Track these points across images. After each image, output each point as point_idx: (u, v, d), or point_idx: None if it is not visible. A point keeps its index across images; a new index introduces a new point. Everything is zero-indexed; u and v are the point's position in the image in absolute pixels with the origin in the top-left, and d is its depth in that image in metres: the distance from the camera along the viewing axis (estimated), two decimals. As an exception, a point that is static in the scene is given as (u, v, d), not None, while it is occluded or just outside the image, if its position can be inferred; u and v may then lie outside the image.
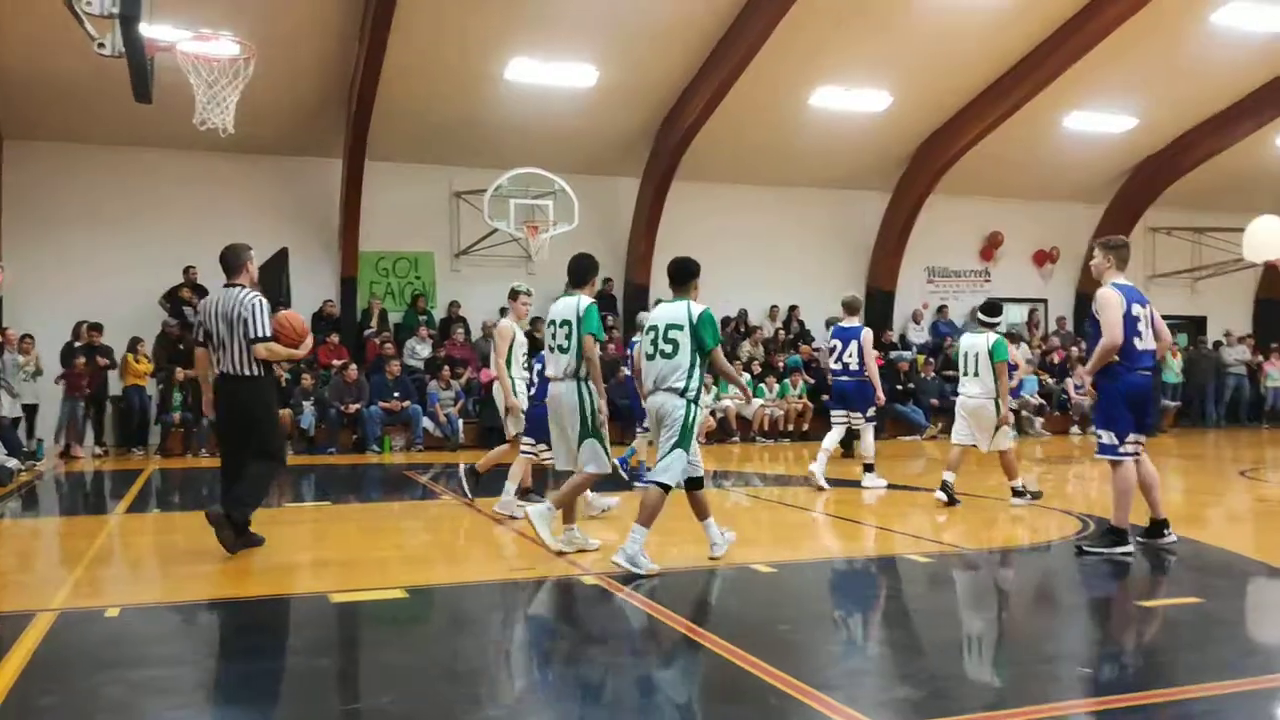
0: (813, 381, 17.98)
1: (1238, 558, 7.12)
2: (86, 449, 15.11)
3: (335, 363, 15.96)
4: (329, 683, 4.47)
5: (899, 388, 18.35)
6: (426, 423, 15.84)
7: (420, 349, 17.26)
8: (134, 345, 15.19)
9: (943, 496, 9.28)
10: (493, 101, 16.67)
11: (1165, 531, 7.14)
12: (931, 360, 19.28)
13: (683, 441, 6.40)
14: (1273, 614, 5.93)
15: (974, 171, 19.61)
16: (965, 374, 9.59)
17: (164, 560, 7.49)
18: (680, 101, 17.35)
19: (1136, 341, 6.84)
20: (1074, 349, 19.96)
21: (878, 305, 20.47)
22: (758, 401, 16.90)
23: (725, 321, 19.58)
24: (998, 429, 9.39)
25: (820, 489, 10.40)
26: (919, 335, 20.64)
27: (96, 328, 15.18)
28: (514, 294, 8.98)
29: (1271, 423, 20.73)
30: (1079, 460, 13.55)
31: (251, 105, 12.23)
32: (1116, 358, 6.78)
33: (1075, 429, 18.86)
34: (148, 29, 8.59)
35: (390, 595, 5.88)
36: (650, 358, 6.52)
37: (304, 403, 15.34)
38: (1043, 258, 22.25)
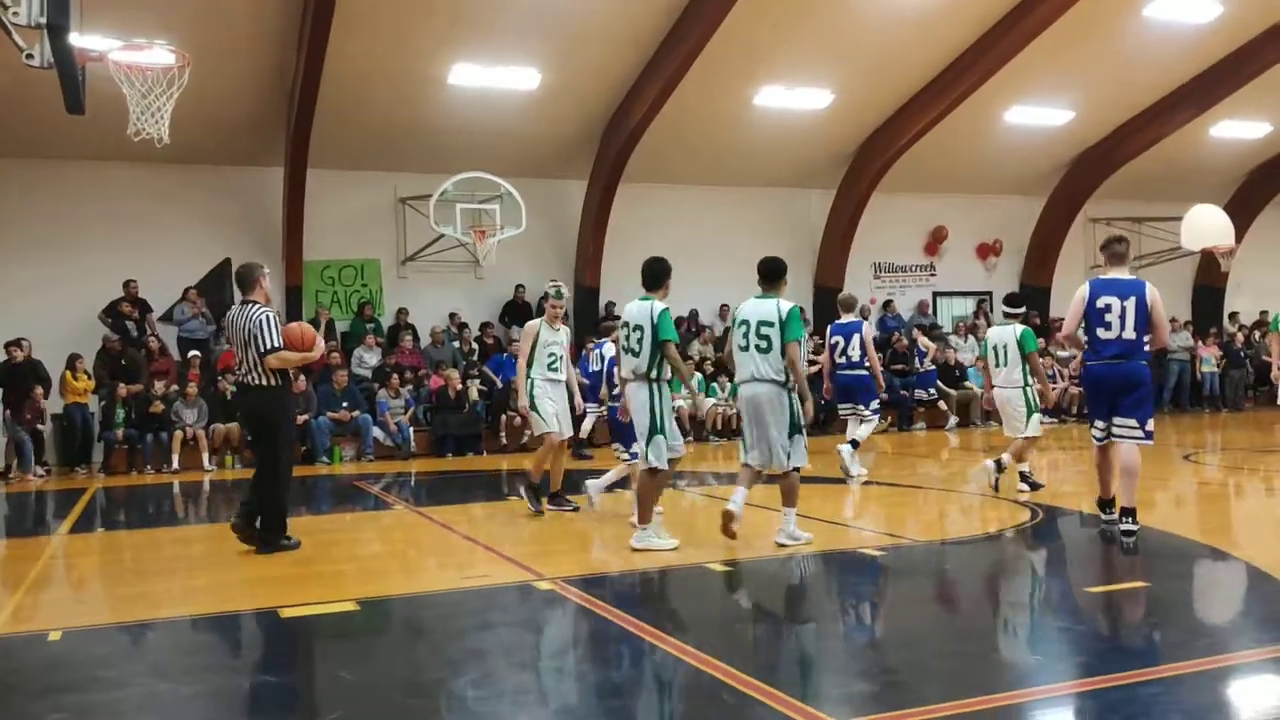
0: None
1: (1184, 541, 7.24)
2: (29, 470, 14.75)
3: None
4: (278, 700, 4.39)
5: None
6: (377, 432, 15.68)
7: (368, 358, 17.09)
8: (72, 362, 14.86)
9: (1025, 487, 9.46)
10: (436, 106, 16.55)
11: (1108, 511, 7.53)
12: (880, 355, 19.37)
13: (796, 426, 7.04)
14: (1218, 596, 6.03)
15: (917, 167, 19.80)
16: (996, 366, 9.77)
17: (109, 580, 7.34)
18: (625, 103, 17.34)
19: (1100, 331, 7.17)
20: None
21: (826, 302, 20.59)
22: (710, 401, 16.93)
23: (678, 321, 19.59)
24: (1030, 415, 9.52)
25: (850, 476, 10.57)
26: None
27: (16, 343, 14.71)
28: (544, 296, 9.29)
29: (1210, 407, 21.14)
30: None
31: (190, 115, 12.04)
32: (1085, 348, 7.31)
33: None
34: (78, 39, 8.41)
35: (341, 608, 5.80)
36: (744, 349, 7.15)
37: (251, 415, 15.12)
38: (986, 250, 22.53)
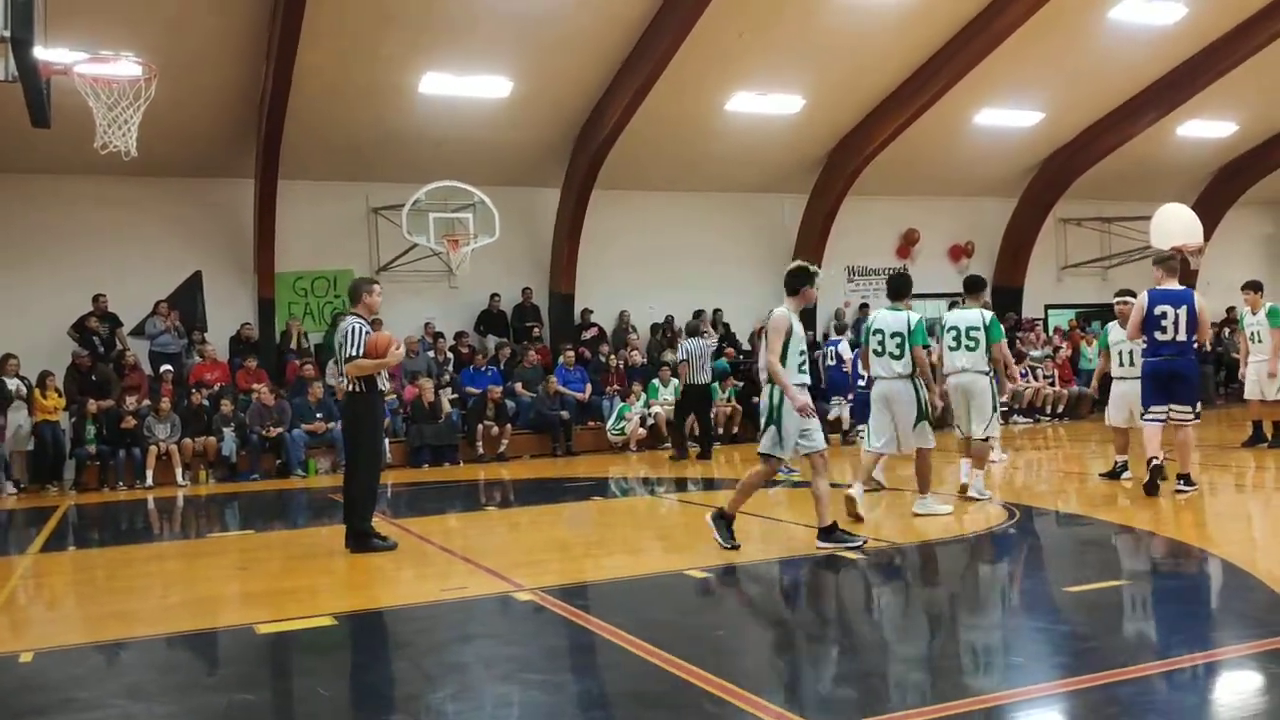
0: (740, 384, 18.05)
1: (1160, 539, 7.29)
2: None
3: (255, 387, 15.63)
4: (255, 718, 4.34)
5: (821, 386, 18.49)
6: (352, 444, 15.55)
7: (343, 369, 16.96)
8: (43, 380, 14.67)
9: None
10: (407, 116, 16.48)
11: (1179, 481, 8.88)
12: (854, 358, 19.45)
13: (996, 406, 9.02)
14: (1195, 594, 6.07)
15: (888, 171, 19.89)
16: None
17: (82, 599, 7.25)
18: (597, 111, 17.34)
19: (1157, 334, 8.83)
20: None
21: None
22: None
23: (653, 329, 19.62)
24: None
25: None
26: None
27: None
28: (803, 277, 7.66)
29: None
30: (1001, 450, 13.76)
31: (159, 127, 11.95)
32: (1144, 347, 9.01)
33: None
34: (43, 52, 8.33)
35: (318, 623, 5.74)
36: (954, 349, 9.05)
37: (224, 429, 14.98)
38: (958, 252, 22.65)
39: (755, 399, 17.51)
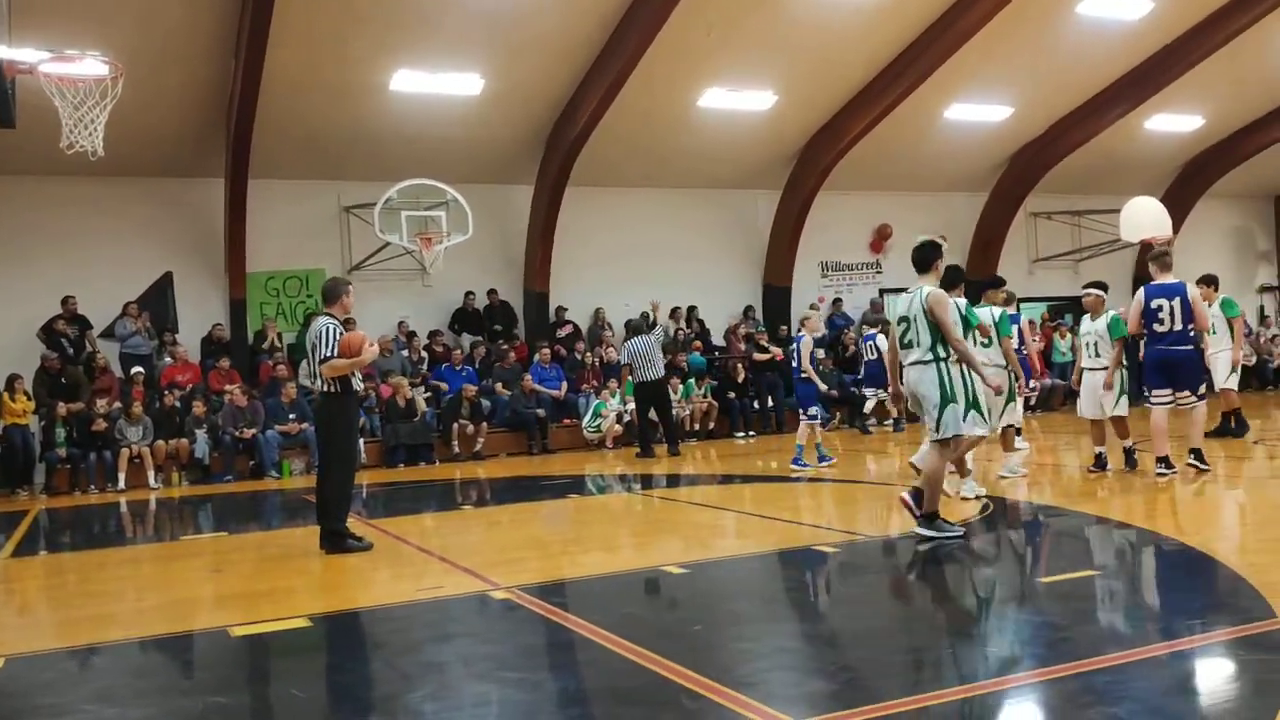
0: (716, 382, 18.09)
1: (1131, 529, 7.35)
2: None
3: (227, 388, 15.52)
4: (232, 720, 4.31)
5: (859, 378, 18.54)
6: (326, 444, 15.46)
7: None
8: (11, 383, 14.51)
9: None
10: (379, 113, 16.40)
11: (1198, 460, 9.43)
12: (829, 353, 19.54)
13: (1012, 396, 9.48)
14: (1167, 583, 6.13)
15: (861, 166, 19.96)
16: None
17: (54, 604, 7.18)
18: (569, 107, 17.30)
19: (1155, 326, 9.41)
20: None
21: (774, 301, 20.72)
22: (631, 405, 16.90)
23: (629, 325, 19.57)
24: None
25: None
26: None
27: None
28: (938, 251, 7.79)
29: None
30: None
31: (126, 127, 11.84)
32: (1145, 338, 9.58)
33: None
34: (7, 50, 8.24)
35: (293, 625, 5.71)
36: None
37: (196, 430, 14.86)
38: (931, 247, 22.74)
39: (731, 394, 17.79)
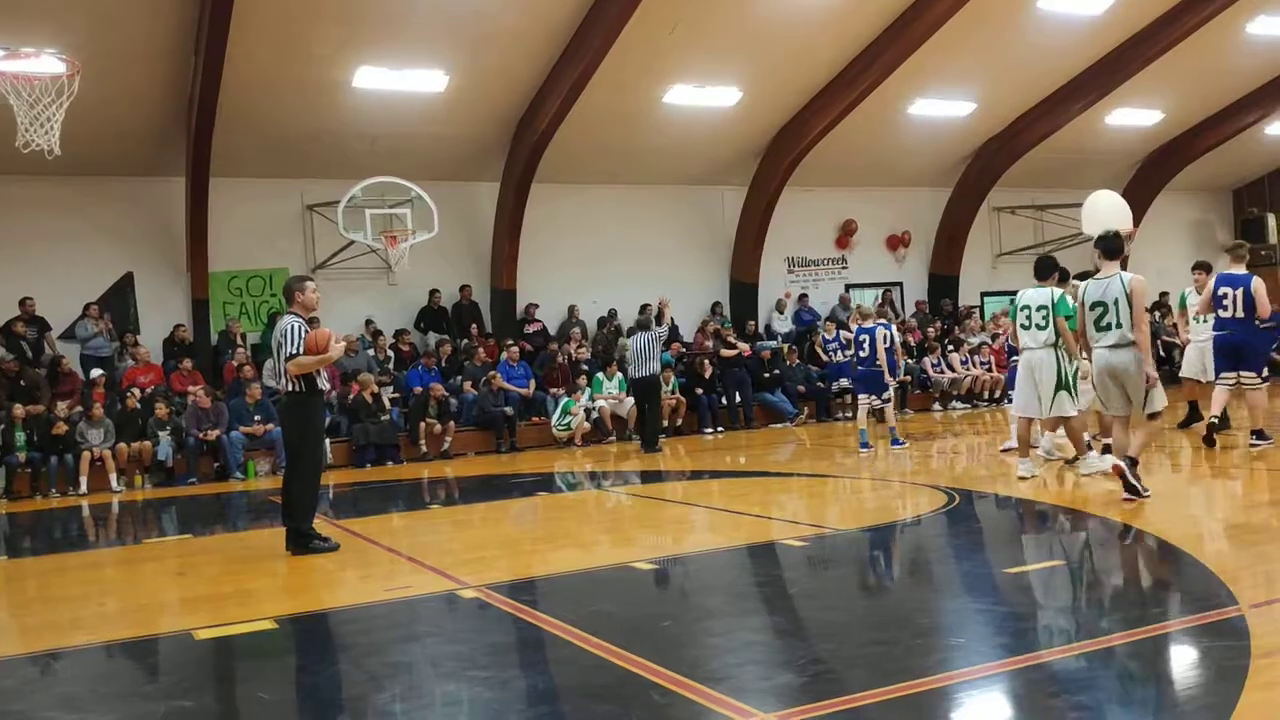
0: (684, 379, 18.11)
1: (1095, 520, 7.43)
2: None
3: (191, 389, 15.34)
4: (197, 724, 4.26)
5: (765, 376, 18.65)
6: (292, 444, 15.32)
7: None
8: (-31, 385, 14.29)
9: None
10: (342, 111, 16.26)
11: (1253, 437, 10.19)
12: (795, 348, 19.63)
13: (1062, 384, 9.21)
14: (1130, 572, 6.19)
15: (826, 162, 20.04)
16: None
17: (14, 609, 7.06)
18: (534, 104, 17.24)
19: (1220, 312, 10.54)
20: (930, 330, 20.54)
21: (742, 297, 20.76)
22: (631, 400, 16.95)
23: (600, 322, 19.59)
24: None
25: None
26: (783, 325, 21.02)
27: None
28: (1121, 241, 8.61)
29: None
30: (941, 436, 13.99)
31: (85, 125, 11.70)
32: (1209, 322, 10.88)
33: (937, 405, 19.46)
34: (-40, 48, 8.10)
35: (259, 627, 5.66)
36: (1025, 328, 9.34)
37: (159, 432, 14.68)
38: (895, 242, 22.89)
39: (699, 390, 17.81)
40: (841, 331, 18.36)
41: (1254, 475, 9.12)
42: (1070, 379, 9.11)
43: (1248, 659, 3.99)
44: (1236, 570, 5.49)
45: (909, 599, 5.78)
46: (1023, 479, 9.12)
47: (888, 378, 12.93)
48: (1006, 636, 4.70)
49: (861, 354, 13.08)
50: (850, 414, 17.81)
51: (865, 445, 12.70)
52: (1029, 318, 9.29)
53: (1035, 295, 9.32)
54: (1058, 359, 9.14)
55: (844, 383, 17.90)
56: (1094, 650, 4.28)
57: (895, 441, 12.98)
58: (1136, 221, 18.19)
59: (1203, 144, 23.34)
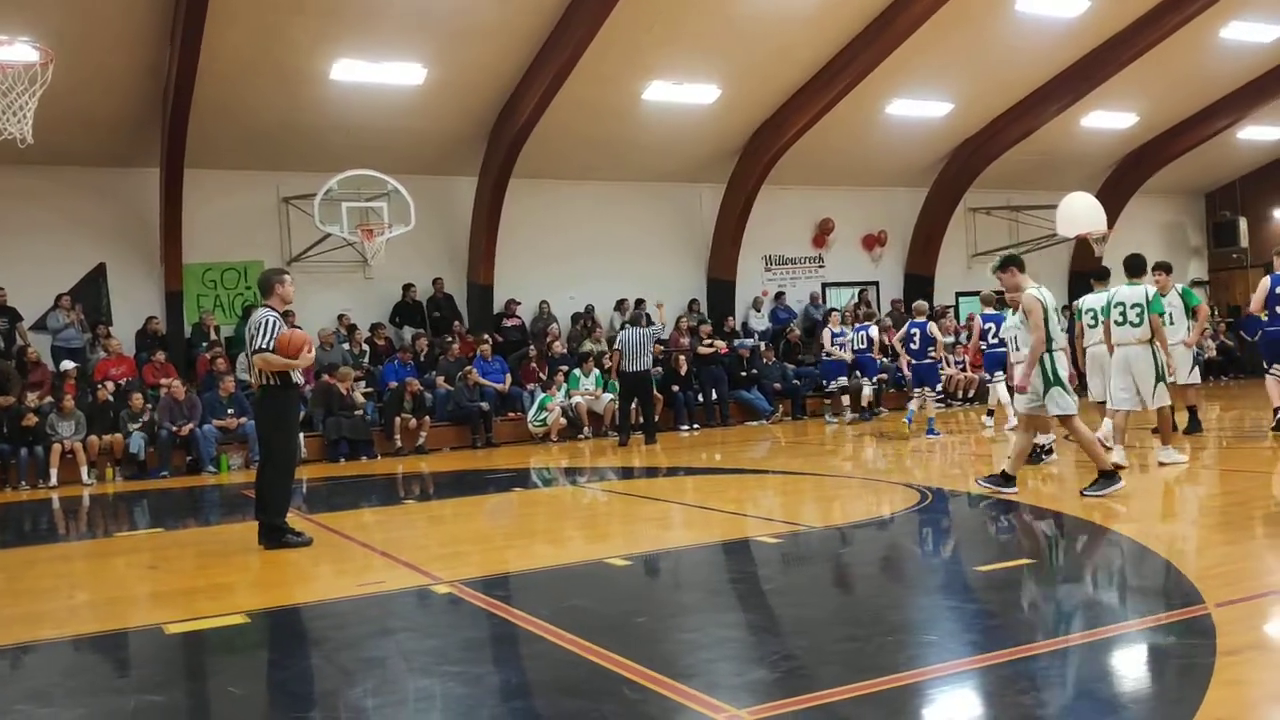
0: (660, 375, 18.11)
1: (1067, 519, 7.49)
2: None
3: (163, 382, 15.23)
4: (164, 719, 4.23)
5: (742, 374, 18.69)
6: (266, 438, 15.22)
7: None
8: (-62, 376, 14.14)
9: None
10: (319, 103, 16.17)
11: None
12: (772, 346, 19.67)
13: (1161, 375, 9.64)
14: (1100, 570, 6.25)
15: (803, 161, 20.10)
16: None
17: (-19, 603, 6.99)
18: (513, 99, 17.20)
19: (1276, 308, 11.22)
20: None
21: (719, 295, 20.80)
22: (608, 396, 16.96)
23: (575, 318, 19.57)
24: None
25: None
26: (760, 323, 21.07)
27: None
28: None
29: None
30: (916, 434, 14.05)
31: (59, 114, 11.58)
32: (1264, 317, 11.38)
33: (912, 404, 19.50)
34: (-69, 36, 8.01)
35: (230, 622, 5.62)
36: (1120, 325, 9.68)
37: (131, 425, 14.57)
38: (871, 242, 22.99)
39: (675, 387, 17.82)
40: (844, 328, 18.36)
41: (1226, 476, 9.22)
42: (1163, 371, 9.60)
43: (1213, 656, 4.04)
44: (1203, 569, 5.55)
45: (881, 596, 5.82)
46: (1163, 464, 9.55)
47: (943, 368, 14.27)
48: (976, 634, 4.73)
49: (912, 346, 14.18)
50: (834, 414, 17.87)
51: (933, 432, 13.79)
52: (1124, 314, 9.62)
53: (1130, 293, 9.63)
54: (1154, 353, 9.55)
55: (842, 381, 17.93)
56: (1063, 647, 4.32)
57: (931, 431, 13.82)
58: (1111, 223, 18.38)
59: (1176, 147, 23.57)
